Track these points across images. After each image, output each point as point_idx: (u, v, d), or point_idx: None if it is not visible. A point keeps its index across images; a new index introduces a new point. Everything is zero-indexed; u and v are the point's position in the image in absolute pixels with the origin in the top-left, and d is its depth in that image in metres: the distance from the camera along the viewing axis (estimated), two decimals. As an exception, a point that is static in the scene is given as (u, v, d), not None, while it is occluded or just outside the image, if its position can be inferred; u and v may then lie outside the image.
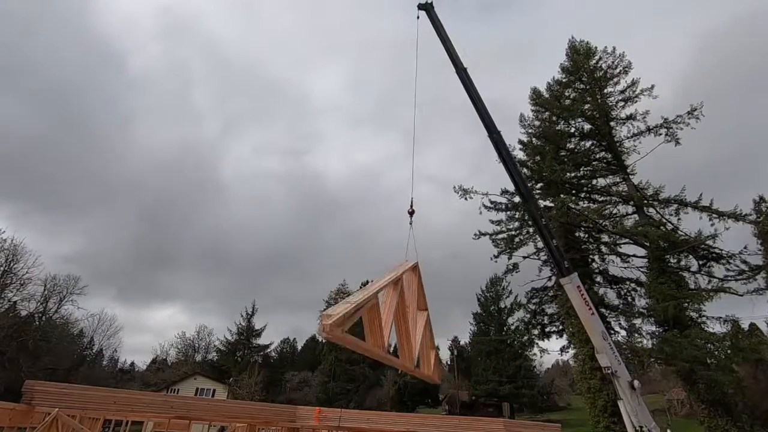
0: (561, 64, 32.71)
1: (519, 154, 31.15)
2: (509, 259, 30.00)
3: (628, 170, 28.23)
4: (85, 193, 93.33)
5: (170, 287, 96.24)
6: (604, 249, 28.48)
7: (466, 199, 29.45)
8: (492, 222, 30.90)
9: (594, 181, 29.92)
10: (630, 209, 27.58)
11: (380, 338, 4.59)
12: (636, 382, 11.95)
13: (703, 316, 22.89)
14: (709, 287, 23.58)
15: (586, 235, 28.95)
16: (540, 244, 28.18)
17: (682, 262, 24.68)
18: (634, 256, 26.96)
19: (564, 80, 32.15)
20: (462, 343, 73.07)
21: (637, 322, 25.71)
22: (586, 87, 31.03)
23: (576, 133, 30.66)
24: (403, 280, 6.06)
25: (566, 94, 31.77)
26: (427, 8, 14.46)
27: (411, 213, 9.40)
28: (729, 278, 23.33)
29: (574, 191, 29.65)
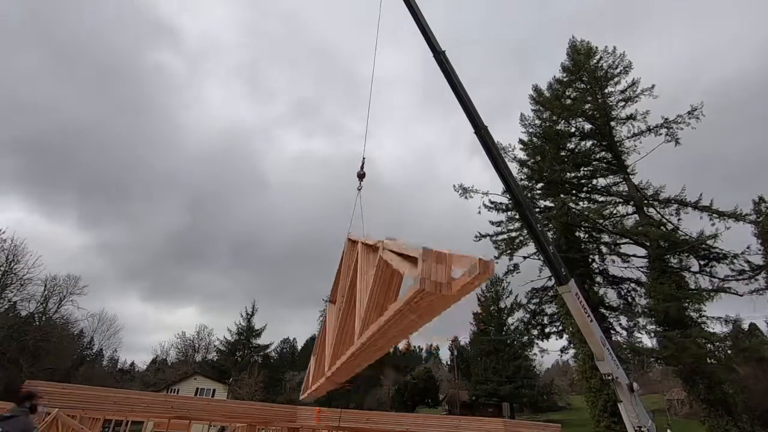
0: (562, 63, 32.70)
1: (519, 154, 31.15)
2: (510, 259, 30.00)
3: (628, 170, 28.21)
4: (134, 181, 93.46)
5: (200, 284, 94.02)
6: (604, 249, 28.46)
7: (466, 198, 29.43)
8: (492, 223, 30.87)
9: (594, 181, 29.89)
10: (630, 209, 27.57)
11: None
12: (635, 384, 11.93)
13: (704, 316, 22.89)
14: (710, 287, 23.57)
15: (586, 235, 28.93)
16: (540, 244, 28.12)
17: (683, 262, 24.66)
18: (634, 256, 26.95)
19: (565, 79, 32.10)
20: (462, 343, 73.05)
21: (638, 322, 25.70)
22: (586, 86, 31.00)
23: (576, 133, 30.63)
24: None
25: (567, 93, 31.73)
26: None
27: (361, 176, 8.40)
28: (730, 278, 23.31)
29: (574, 191, 29.62)
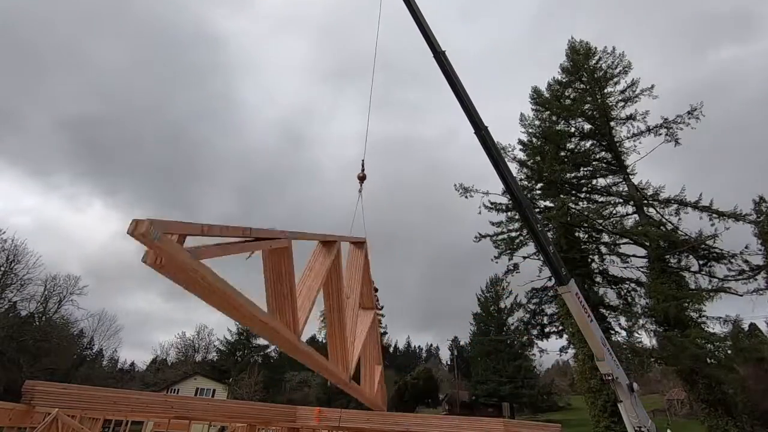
0: (561, 64, 32.71)
1: (519, 154, 31.13)
2: (510, 259, 29.96)
3: (628, 170, 28.23)
4: (197, 163, 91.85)
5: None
6: (603, 249, 28.46)
7: (466, 197, 29.40)
8: (492, 223, 30.84)
9: (594, 181, 29.91)
10: (630, 209, 27.57)
11: (288, 306, 3.24)
12: (635, 384, 11.96)
13: (704, 316, 22.90)
14: (710, 287, 23.58)
15: (586, 236, 28.93)
16: (540, 244, 28.05)
17: (683, 262, 24.67)
18: (634, 256, 26.96)
19: (564, 80, 32.13)
20: (462, 343, 73.08)
21: (638, 322, 25.71)
22: (586, 87, 31.01)
23: (576, 133, 30.64)
24: (340, 248, 4.54)
25: (566, 93, 31.75)
26: None
27: (361, 179, 8.25)
28: (729, 278, 23.34)
29: (574, 191, 29.62)
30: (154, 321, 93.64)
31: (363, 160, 8.55)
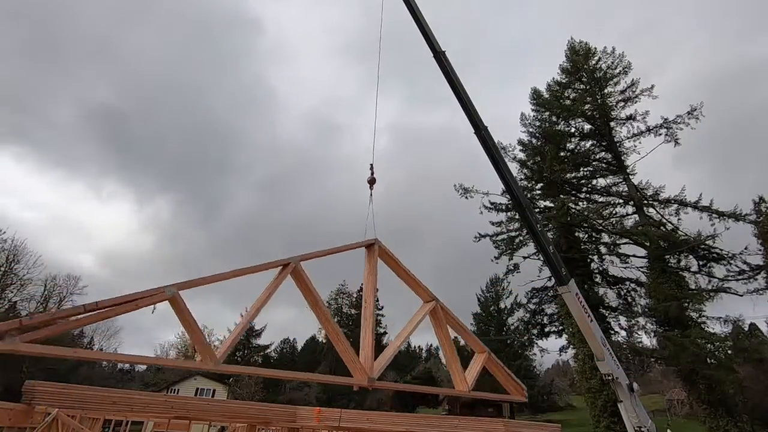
0: (560, 64, 32.69)
1: (519, 155, 31.11)
2: (510, 259, 29.94)
3: (628, 170, 28.22)
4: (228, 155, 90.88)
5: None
6: (603, 249, 28.45)
7: (466, 198, 29.40)
8: (492, 223, 30.84)
9: (594, 181, 29.91)
10: (630, 209, 27.58)
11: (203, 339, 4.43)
12: (635, 384, 11.96)
13: (704, 316, 22.90)
14: (710, 287, 23.58)
15: (586, 236, 28.93)
16: (540, 245, 28.02)
17: (682, 263, 24.67)
18: (634, 256, 26.96)
19: (564, 81, 32.11)
20: (462, 343, 72.92)
21: (638, 322, 25.71)
22: (586, 87, 31.01)
23: (576, 133, 30.63)
24: (300, 267, 5.13)
25: (566, 94, 31.73)
26: None
27: (371, 182, 8.18)
28: (729, 278, 23.34)
29: (574, 191, 29.62)
30: (154, 320, 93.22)
31: (371, 164, 8.44)
